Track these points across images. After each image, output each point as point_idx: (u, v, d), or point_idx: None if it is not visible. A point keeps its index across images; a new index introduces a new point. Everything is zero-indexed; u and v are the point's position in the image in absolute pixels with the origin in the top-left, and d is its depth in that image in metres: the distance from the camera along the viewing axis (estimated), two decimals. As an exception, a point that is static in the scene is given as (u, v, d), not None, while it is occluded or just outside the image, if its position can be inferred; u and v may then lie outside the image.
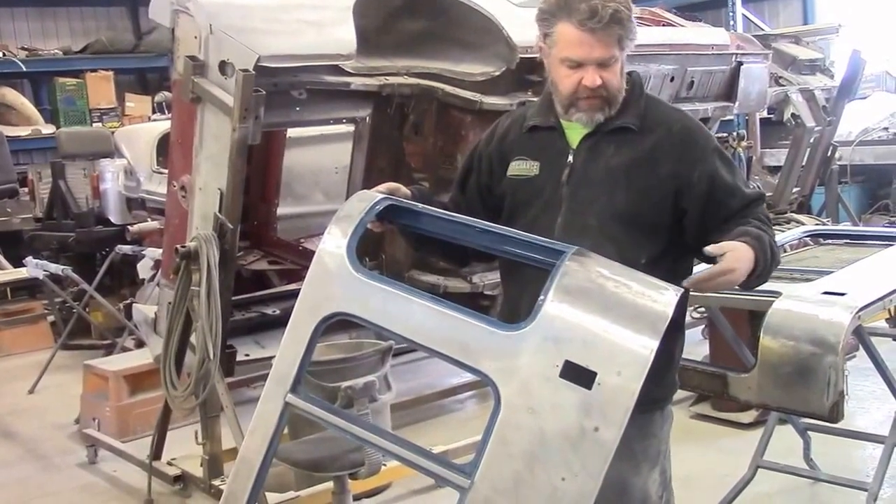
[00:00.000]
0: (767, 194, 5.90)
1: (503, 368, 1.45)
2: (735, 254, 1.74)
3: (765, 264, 1.79)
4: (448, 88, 3.39)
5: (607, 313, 1.46)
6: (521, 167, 1.94)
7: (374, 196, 1.68)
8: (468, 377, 4.54)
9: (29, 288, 6.17)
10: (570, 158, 1.90)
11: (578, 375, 1.41)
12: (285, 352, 1.64)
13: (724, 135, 6.55)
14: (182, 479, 3.46)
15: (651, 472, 1.90)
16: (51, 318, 5.96)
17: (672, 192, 1.86)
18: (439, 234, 1.79)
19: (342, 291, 1.58)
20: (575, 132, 1.91)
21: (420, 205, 1.83)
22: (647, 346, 1.41)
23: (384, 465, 2.82)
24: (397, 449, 1.54)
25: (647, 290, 1.52)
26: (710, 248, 1.75)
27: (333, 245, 1.60)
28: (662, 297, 1.50)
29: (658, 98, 2.06)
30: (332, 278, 1.59)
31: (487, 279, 3.69)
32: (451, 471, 1.46)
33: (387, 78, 3.28)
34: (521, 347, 1.45)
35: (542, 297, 1.50)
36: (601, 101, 1.85)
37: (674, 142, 1.87)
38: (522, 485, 1.40)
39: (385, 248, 3.70)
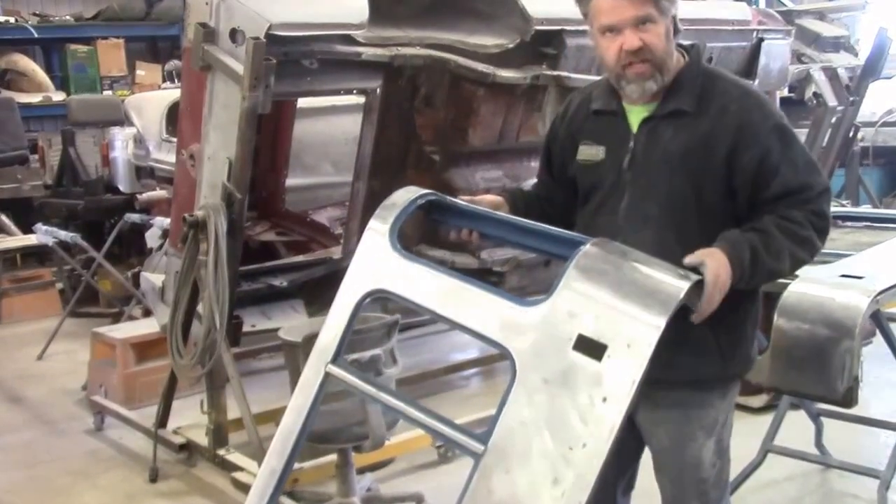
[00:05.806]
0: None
1: (521, 341, 1.53)
2: (713, 261, 1.69)
3: (741, 273, 1.72)
4: (461, 60, 3.32)
5: (620, 290, 1.51)
6: (588, 152, 1.94)
7: (420, 190, 1.83)
8: (473, 354, 4.55)
9: (38, 255, 6.20)
10: (632, 144, 1.87)
11: (590, 348, 1.46)
12: (330, 324, 1.77)
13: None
14: (187, 448, 3.47)
15: (707, 441, 1.91)
16: (59, 285, 5.97)
17: (726, 174, 1.81)
18: (482, 231, 1.87)
19: (383, 270, 1.73)
20: (636, 116, 1.88)
21: (461, 202, 1.88)
22: (656, 322, 1.46)
23: (388, 439, 2.81)
24: (420, 416, 1.65)
25: (662, 272, 1.57)
26: (687, 260, 1.68)
27: (378, 228, 1.76)
28: (675, 280, 1.55)
29: (718, 72, 1.93)
30: (375, 258, 1.75)
31: (496, 255, 3.64)
32: (468, 437, 1.55)
33: (398, 48, 3.21)
34: (538, 321, 1.53)
35: (559, 276, 1.56)
36: (648, 66, 1.78)
37: (729, 123, 1.80)
38: (533, 453, 1.46)
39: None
